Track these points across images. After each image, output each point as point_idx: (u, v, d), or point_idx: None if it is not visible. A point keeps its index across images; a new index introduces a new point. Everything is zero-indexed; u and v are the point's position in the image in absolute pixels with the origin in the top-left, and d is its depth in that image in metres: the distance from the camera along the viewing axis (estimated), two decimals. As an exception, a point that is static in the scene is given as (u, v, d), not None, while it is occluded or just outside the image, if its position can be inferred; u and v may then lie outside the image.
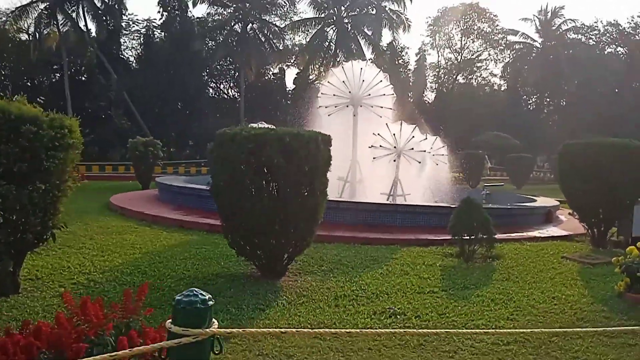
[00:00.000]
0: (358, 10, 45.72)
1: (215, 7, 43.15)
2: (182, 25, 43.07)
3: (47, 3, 36.65)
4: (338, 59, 46.08)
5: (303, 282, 6.97)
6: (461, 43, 56.99)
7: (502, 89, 56.01)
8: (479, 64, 57.73)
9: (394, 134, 12.88)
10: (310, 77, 46.24)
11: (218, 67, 46.52)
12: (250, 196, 6.68)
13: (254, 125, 16.64)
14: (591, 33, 53.50)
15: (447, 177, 18.03)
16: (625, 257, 6.70)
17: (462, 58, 57.19)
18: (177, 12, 43.04)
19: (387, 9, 47.01)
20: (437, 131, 46.08)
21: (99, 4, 39.13)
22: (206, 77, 47.13)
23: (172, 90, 40.82)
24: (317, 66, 45.84)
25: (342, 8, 44.81)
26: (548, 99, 54.09)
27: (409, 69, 53.23)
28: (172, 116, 39.73)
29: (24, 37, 40.05)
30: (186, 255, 8.13)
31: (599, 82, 46.88)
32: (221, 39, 42.76)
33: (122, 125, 37.33)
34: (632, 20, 51.74)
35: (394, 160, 12.88)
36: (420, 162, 12.91)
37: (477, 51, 56.65)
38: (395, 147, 12.85)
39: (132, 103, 39.85)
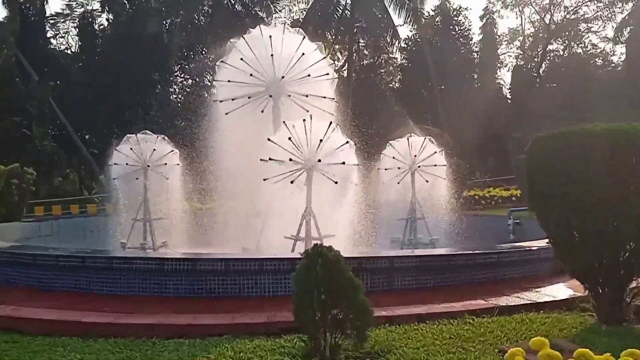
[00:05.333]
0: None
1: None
2: (132, 2, 42.94)
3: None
4: (355, 32, 44.63)
5: None
6: (550, -2, 54.18)
7: (620, 59, 52.53)
8: (583, 25, 54.67)
9: (290, 138, 11.14)
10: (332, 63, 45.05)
11: (187, 54, 45.83)
12: None
13: (133, 137, 15.34)
14: None
15: (448, 200, 16.29)
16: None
17: (553, 19, 54.32)
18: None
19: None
20: (513, 126, 43.90)
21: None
22: (176, 72, 46.75)
23: (123, 94, 40.54)
24: (327, 46, 44.33)
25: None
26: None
27: (473, 41, 50.93)
28: (122, 128, 38.83)
29: None
30: None
31: None
32: (186, 18, 42.12)
33: (43, 147, 36.76)
34: None
35: (292, 182, 11.02)
36: (337, 183, 11.06)
37: (575, 7, 53.67)
38: (291, 159, 11.01)
39: (66, 117, 39.60)
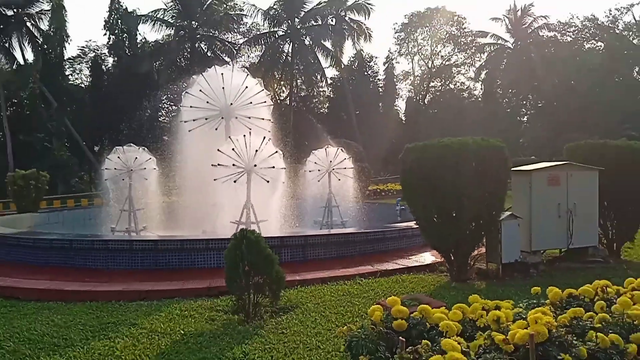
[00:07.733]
0: (314, 22, 43.60)
1: (162, 27, 41.32)
2: (131, 48, 41.42)
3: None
4: (295, 72, 44.34)
5: None
6: (431, 49, 54.98)
7: (479, 94, 53.56)
8: (455, 69, 55.53)
9: (233, 149, 10.59)
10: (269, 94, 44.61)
11: (173, 89, 44.57)
12: None
13: (120, 148, 14.63)
14: (568, 30, 51.02)
15: (354, 193, 16.00)
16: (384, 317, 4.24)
17: (434, 64, 55.07)
18: (124, 34, 41.24)
19: (347, 18, 44.94)
20: (408, 141, 44.04)
21: (37, 34, 37.35)
22: (163, 101, 45.27)
23: (123, 117, 39.08)
24: (274, 82, 43.85)
25: (297, 20, 42.74)
26: (525, 101, 51.49)
27: (379, 79, 51.02)
28: (119, 143, 37.66)
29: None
30: None
31: (578, 80, 44.26)
32: (170, 60, 40.83)
33: (60, 156, 35.05)
34: (610, 14, 49.50)
35: (235, 182, 10.46)
36: (268, 182, 10.61)
37: (449, 56, 54.50)
38: (234, 164, 10.47)
39: (79, 134, 38.05)
